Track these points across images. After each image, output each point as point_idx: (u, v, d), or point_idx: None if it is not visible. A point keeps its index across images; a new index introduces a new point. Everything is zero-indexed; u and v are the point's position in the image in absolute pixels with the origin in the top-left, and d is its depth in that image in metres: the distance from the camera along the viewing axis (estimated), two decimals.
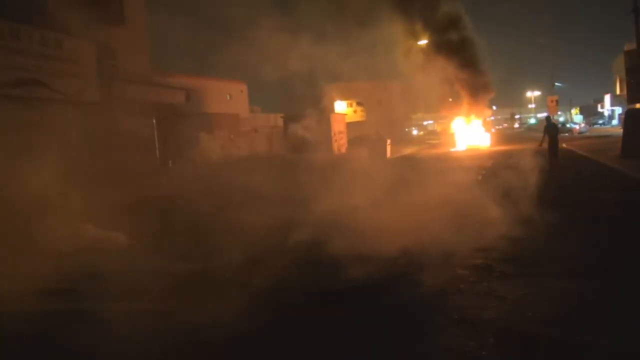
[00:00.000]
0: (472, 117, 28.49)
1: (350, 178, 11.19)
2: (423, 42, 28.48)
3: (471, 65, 27.48)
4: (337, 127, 29.77)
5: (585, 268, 4.89)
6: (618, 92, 42.57)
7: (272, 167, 12.10)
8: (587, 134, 41.00)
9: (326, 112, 29.91)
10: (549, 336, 3.44)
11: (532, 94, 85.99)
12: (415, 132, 71.88)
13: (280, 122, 31.02)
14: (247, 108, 37.07)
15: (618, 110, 47.25)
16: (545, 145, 16.19)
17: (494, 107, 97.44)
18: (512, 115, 56.60)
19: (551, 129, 16.92)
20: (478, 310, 3.93)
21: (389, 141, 24.59)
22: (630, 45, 52.41)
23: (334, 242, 5.61)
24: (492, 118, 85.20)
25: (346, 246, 5.39)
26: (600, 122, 59.42)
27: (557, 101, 40.11)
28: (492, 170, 15.21)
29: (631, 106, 16.83)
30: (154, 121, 15.52)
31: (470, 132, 28.78)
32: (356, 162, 16.50)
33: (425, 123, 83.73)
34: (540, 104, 76.18)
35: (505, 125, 72.36)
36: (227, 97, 34.53)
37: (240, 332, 3.58)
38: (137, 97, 14.52)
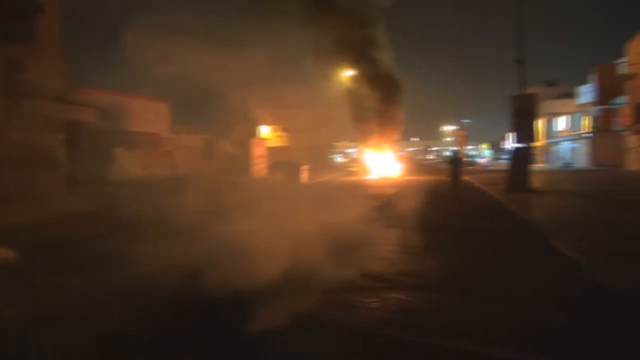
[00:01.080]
0: (384, 147, 30.35)
1: (254, 202, 11.79)
2: (349, 73, 30.16)
3: (386, 100, 29.45)
4: (258, 152, 30.40)
5: (427, 283, 5.80)
6: None
7: (181, 188, 12.38)
8: (491, 167, 44.73)
9: (248, 136, 30.51)
10: (379, 334, 4.20)
11: (449, 128, 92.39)
12: (339, 159, 73.99)
13: (204, 144, 31.19)
14: (169, 128, 36.64)
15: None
16: (451, 176, 17.90)
17: (417, 139, 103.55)
18: (427, 147, 60.38)
19: (455, 162, 18.63)
20: (326, 315, 4.64)
21: (304, 167, 25.56)
22: (532, 89, 57.97)
23: (209, 266, 5.74)
24: (412, 149, 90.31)
25: (222, 269, 5.69)
26: (505, 157, 64.75)
27: (465, 136, 43.53)
28: (392, 197, 16.47)
29: (517, 145, 18.95)
30: (62, 138, 15.24)
31: (383, 161, 30.59)
32: (267, 186, 17.13)
33: (349, 151, 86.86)
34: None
35: (421, 157, 76.97)
36: (149, 115, 34.02)
37: None
38: (46, 113, 14.27)
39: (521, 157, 18.40)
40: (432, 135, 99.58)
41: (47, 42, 14.87)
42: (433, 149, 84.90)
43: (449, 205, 14.69)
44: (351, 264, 6.64)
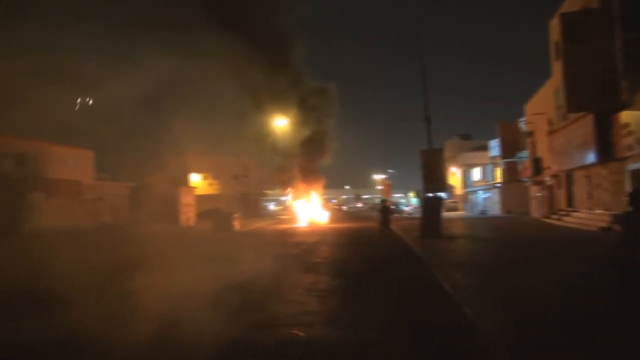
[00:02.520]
0: (311, 196, 31.51)
1: (175, 253, 12.04)
2: (281, 122, 31.26)
3: (316, 154, 30.92)
4: (186, 200, 30.36)
5: (321, 320, 6.53)
6: None
7: (98, 239, 12.41)
8: (415, 215, 47.03)
9: (176, 184, 30.50)
10: None
11: (379, 177, 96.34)
12: (272, 207, 74.51)
13: (130, 192, 30.71)
14: (92, 175, 35.80)
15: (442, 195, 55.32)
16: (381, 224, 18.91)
17: (348, 187, 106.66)
18: (357, 196, 62.64)
19: (384, 210, 19.71)
20: (225, 350, 5.22)
21: (235, 215, 25.90)
22: (450, 142, 61.60)
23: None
24: (344, 197, 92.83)
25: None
26: None
27: (390, 185, 45.89)
28: (312, 245, 17.22)
29: (427, 195, 20.54)
30: None
31: (310, 209, 31.64)
32: (192, 236, 17.24)
33: (282, 199, 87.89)
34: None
35: (352, 204, 79.44)
36: (71, 163, 33.16)
37: None
38: None
39: (431, 206, 19.96)
40: (365, 183, 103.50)
41: None
42: (364, 196, 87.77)
43: (363, 252, 15.57)
44: (259, 306, 7.26)
